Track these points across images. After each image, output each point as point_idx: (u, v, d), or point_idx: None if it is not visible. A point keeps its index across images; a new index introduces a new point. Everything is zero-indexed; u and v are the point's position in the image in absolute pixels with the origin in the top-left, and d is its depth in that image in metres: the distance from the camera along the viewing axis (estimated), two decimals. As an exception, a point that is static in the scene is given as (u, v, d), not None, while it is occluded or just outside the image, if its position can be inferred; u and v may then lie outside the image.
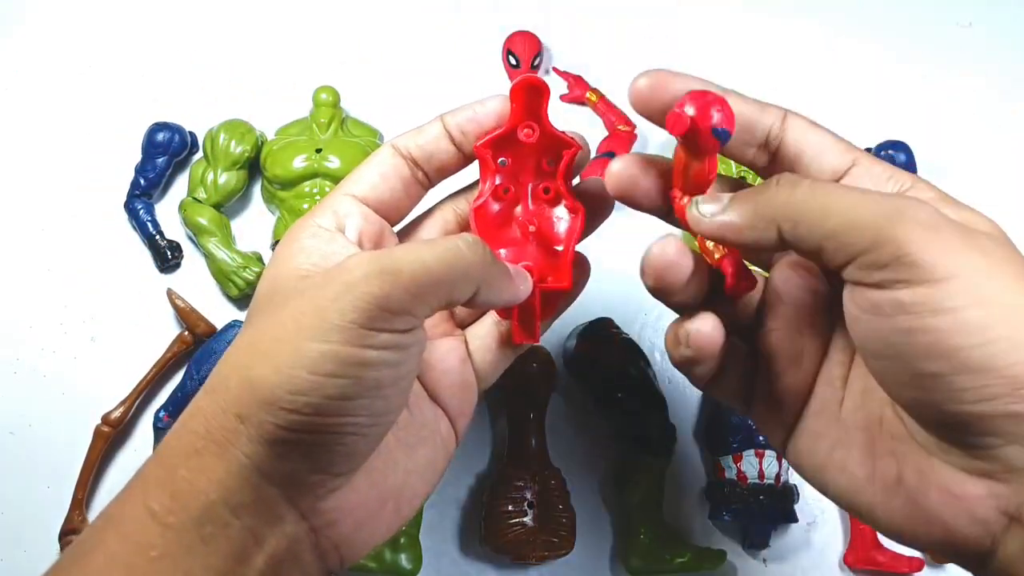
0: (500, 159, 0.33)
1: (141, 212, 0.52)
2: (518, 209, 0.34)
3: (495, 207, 0.33)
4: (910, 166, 0.54)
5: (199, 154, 0.54)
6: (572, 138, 0.33)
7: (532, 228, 0.33)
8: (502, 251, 0.33)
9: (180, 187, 0.55)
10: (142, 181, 0.53)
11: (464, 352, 0.34)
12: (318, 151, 0.51)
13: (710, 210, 0.28)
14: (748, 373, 0.31)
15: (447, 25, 0.59)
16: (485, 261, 0.28)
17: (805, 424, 0.30)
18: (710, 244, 0.30)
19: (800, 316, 0.30)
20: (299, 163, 0.51)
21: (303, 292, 0.27)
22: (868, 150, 0.56)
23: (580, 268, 0.34)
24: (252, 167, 0.53)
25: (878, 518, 0.27)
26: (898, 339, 0.24)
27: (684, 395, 0.51)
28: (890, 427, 0.27)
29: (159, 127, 0.53)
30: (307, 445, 0.26)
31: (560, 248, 0.33)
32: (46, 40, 0.58)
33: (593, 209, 0.33)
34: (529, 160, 0.33)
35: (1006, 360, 0.22)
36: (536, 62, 0.56)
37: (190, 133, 0.54)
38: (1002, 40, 0.61)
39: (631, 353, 0.48)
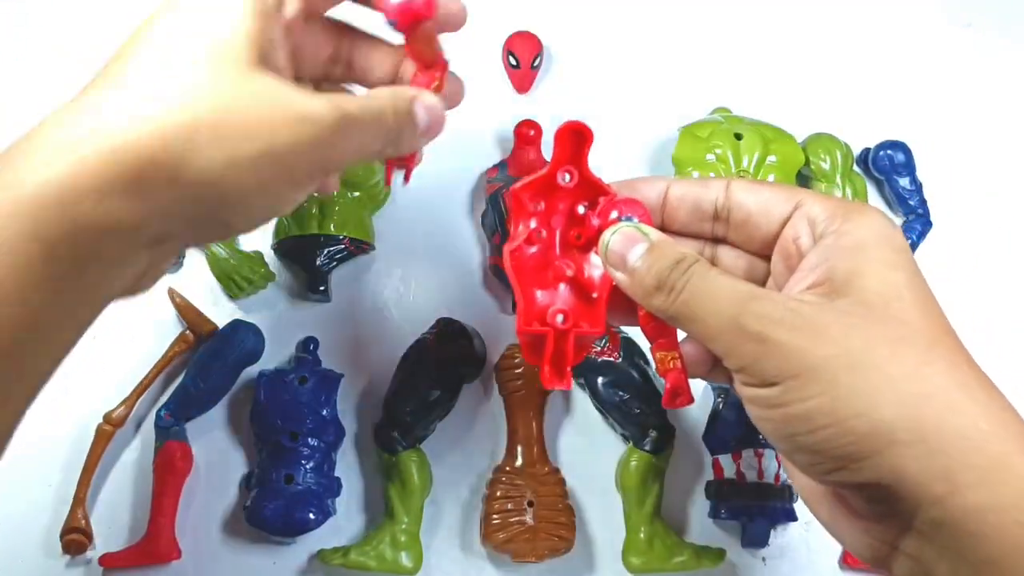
0: (536, 203, 0.33)
1: (143, 212, 0.52)
2: (556, 254, 0.34)
3: (531, 250, 0.33)
4: (909, 166, 0.54)
5: (200, 154, 0.54)
6: (608, 187, 0.33)
7: (569, 272, 0.33)
8: (538, 292, 0.33)
9: (181, 187, 0.55)
10: (143, 181, 0.53)
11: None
12: (319, 151, 0.51)
13: (616, 263, 0.31)
14: None
15: (448, 25, 0.59)
16: None
17: None
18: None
19: None
20: (300, 163, 0.51)
21: None
22: (867, 150, 0.56)
23: None
24: (253, 167, 0.53)
25: (816, 516, 0.31)
26: (757, 423, 0.28)
27: (684, 394, 0.51)
28: None
29: (160, 127, 0.53)
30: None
31: (595, 294, 0.33)
32: (48, 40, 0.58)
33: None
34: (564, 204, 0.33)
35: (832, 444, 0.25)
36: (536, 62, 0.56)
37: (191, 133, 0.54)
38: (1002, 40, 0.61)
39: (631, 353, 0.48)
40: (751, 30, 0.60)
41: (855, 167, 0.55)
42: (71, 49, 0.58)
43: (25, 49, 0.58)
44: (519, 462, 0.46)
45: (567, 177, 0.32)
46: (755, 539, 0.47)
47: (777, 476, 0.47)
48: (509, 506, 0.45)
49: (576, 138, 0.32)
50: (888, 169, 0.54)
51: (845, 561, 0.48)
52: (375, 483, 0.48)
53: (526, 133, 0.51)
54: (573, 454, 0.49)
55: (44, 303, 0.25)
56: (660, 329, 0.32)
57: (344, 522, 0.48)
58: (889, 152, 0.54)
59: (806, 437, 0.26)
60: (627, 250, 0.30)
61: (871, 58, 0.60)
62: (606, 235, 0.31)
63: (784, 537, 0.49)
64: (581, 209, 0.33)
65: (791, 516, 0.47)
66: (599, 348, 0.48)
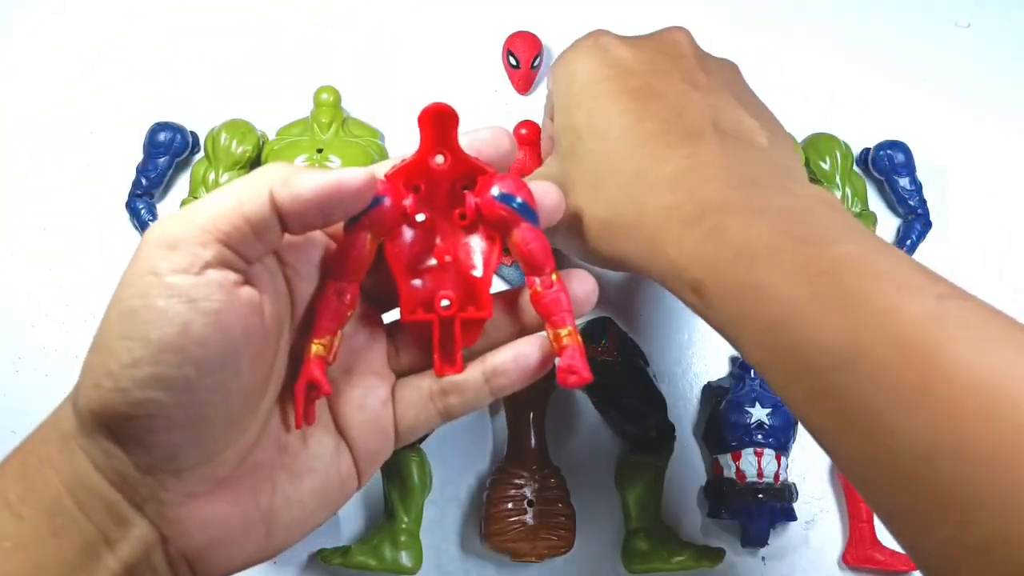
0: (414, 186, 0.32)
1: (143, 212, 0.52)
2: (437, 240, 0.33)
3: (409, 235, 0.32)
4: (909, 166, 0.54)
5: (200, 154, 0.54)
6: (486, 165, 0.32)
7: (448, 259, 0.33)
8: (417, 281, 0.33)
9: (182, 187, 0.55)
10: (144, 181, 0.53)
11: (387, 395, 0.33)
12: (319, 151, 0.51)
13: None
14: None
15: (448, 25, 0.59)
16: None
17: None
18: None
19: None
20: (300, 163, 0.51)
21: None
22: (867, 150, 0.56)
23: (586, 290, 0.34)
24: (254, 167, 0.53)
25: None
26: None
27: (684, 395, 0.51)
28: None
29: (161, 127, 0.53)
30: (118, 432, 0.26)
31: (479, 275, 0.32)
32: (48, 40, 0.58)
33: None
34: (442, 186, 0.32)
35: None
36: (536, 62, 0.56)
37: (192, 133, 0.55)
38: (1002, 40, 0.61)
39: (631, 352, 0.48)
40: (750, 30, 0.60)
41: (855, 167, 0.55)
42: (70, 49, 0.58)
43: (24, 49, 0.58)
44: (519, 462, 0.46)
45: (440, 159, 0.32)
46: (755, 539, 0.47)
47: (777, 476, 0.47)
48: (509, 506, 0.45)
49: (441, 121, 0.31)
50: (888, 169, 0.54)
51: (844, 560, 0.48)
52: (375, 483, 0.48)
53: (518, 132, 0.52)
54: (573, 454, 0.49)
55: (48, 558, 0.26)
56: (552, 306, 0.31)
57: (344, 522, 0.48)
58: (889, 152, 0.54)
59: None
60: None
61: (871, 58, 0.60)
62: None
63: (784, 537, 0.49)
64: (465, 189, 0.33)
65: (791, 516, 0.47)
66: (599, 348, 0.48)
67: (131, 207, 0.53)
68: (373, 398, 0.32)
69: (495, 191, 0.31)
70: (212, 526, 0.28)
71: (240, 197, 0.27)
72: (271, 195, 0.27)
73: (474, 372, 0.33)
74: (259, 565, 0.46)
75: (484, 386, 0.33)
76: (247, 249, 0.27)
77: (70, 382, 0.50)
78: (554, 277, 0.32)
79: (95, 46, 0.58)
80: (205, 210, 0.27)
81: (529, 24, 0.58)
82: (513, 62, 0.57)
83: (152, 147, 0.53)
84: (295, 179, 0.27)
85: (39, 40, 0.58)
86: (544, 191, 0.33)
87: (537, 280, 0.32)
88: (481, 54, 0.58)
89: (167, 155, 0.53)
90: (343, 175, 0.28)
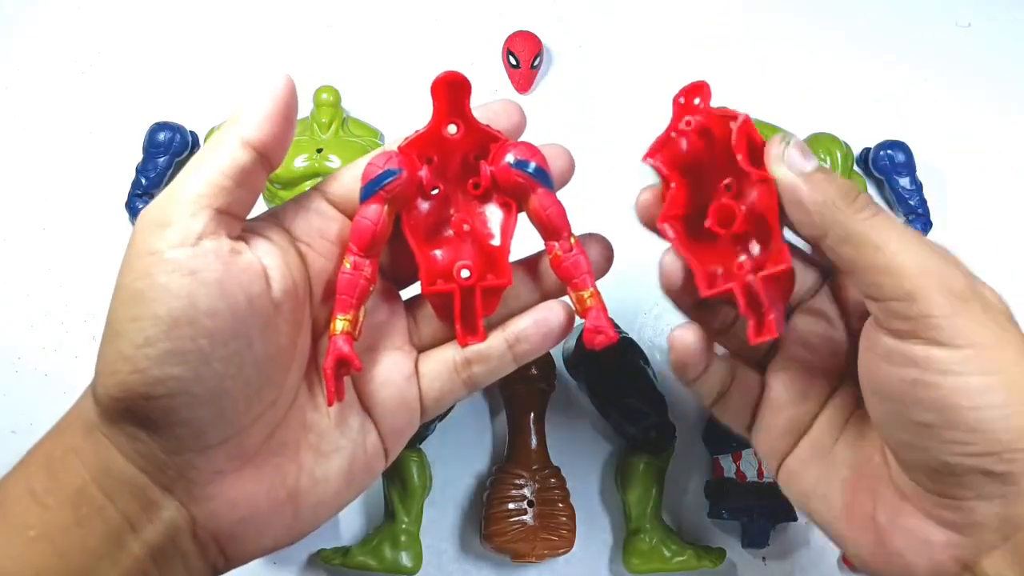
0: (427, 157, 0.32)
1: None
2: (452, 211, 0.33)
3: (425, 206, 0.32)
4: (909, 166, 0.54)
5: (200, 154, 0.54)
6: (498, 133, 0.32)
7: (466, 227, 0.32)
8: (437, 251, 0.33)
9: (181, 187, 0.55)
10: (143, 181, 0.53)
11: (411, 370, 0.33)
12: (319, 151, 0.51)
13: (797, 162, 0.28)
14: (753, 402, 0.33)
15: (448, 25, 0.59)
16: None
17: (798, 453, 0.32)
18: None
19: (813, 359, 0.32)
20: (300, 163, 0.51)
21: None
22: (867, 150, 0.56)
23: (604, 255, 0.34)
24: (253, 167, 0.53)
25: (848, 546, 0.30)
26: (902, 387, 0.26)
27: (684, 395, 0.51)
28: (874, 469, 0.29)
29: (160, 127, 0.53)
30: (141, 415, 0.26)
31: (496, 244, 0.32)
32: (47, 40, 0.58)
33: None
34: (455, 156, 0.32)
35: (996, 426, 0.24)
36: (536, 62, 0.56)
37: (191, 133, 0.55)
38: (1002, 40, 0.61)
39: (631, 353, 0.48)
40: (751, 30, 0.60)
41: (855, 167, 0.55)
42: (70, 49, 0.58)
43: (25, 50, 0.58)
44: (519, 462, 0.46)
45: (453, 128, 0.32)
46: (755, 539, 0.47)
47: (777, 476, 0.47)
48: (509, 506, 0.45)
49: (454, 89, 0.31)
50: (888, 169, 0.54)
51: (844, 560, 0.48)
52: (375, 483, 0.48)
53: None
54: (573, 454, 0.49)
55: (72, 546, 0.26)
56: (573, 269, 0.31)
57: (344, 522, 0.48)
58: (889, 152, 0.54)
59: (973, 412, 0.24)
60: (807, 156, 0.28)
61: (871, 58, 0.60)
62: (776, 141, 0.29)
63: (784, 537, 0.49)
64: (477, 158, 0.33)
65: (791, 516, 0.47)
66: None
67: (131, 207, 0.53)
68: (397, 374, 0.32)
69: (510, 158, 0.31)
70: (240, 506, 0.28)
71: (211, 158, 0.27)
72: (243, 140, 0.28)
73: (497, 340, 0.33)
74: (259, 565, 0.47)
75: (507, 353, 0.33)
76: (236, 205, 0.28)
77: (70, 382, 0.50)
78: (572, 240, 0.32)
79: (95, 46, 0.58)
80: (185, 183, 0.27)
81: (529, 24, 0.58)
82: (513, 62, 0.57)
83: (152, 147, 0.53)
84: (248, 113, 0.28)
85: (39, 40, 0.58)
86: (556, 154, 0.33)
87: (556, 244, 0.32)
88: (481, 54, 0.58)
89: (167, 155, 0.53)
90: (268, 85, 0.29)
